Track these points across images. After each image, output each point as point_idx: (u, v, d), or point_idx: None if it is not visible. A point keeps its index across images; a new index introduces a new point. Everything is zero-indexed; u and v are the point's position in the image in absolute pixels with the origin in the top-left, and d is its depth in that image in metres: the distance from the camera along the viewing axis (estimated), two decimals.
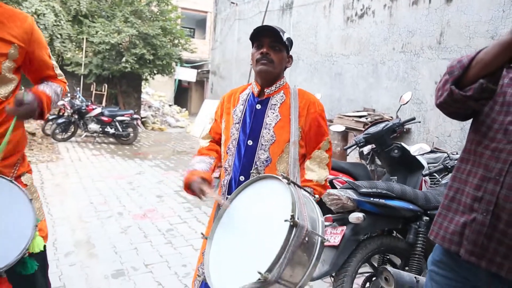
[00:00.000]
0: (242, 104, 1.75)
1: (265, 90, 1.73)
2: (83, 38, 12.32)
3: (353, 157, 5.00)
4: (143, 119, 13.83)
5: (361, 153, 4.03)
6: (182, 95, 23.63)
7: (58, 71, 1.68)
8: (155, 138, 11.75)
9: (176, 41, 13.84)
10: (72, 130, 9.67)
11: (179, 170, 7.10)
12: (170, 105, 18.76)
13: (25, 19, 1.47)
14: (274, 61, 1.66)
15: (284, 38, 1.65)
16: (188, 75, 21.73)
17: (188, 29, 17.71)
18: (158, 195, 5.34)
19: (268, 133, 1.66)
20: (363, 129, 5.14)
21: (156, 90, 20.01)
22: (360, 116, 5.66)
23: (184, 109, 19.72)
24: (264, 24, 1.56)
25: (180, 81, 22.54)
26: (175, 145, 10.52)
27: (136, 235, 3.87)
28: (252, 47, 1.71)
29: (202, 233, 1.56)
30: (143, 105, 15.44)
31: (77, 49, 12.73)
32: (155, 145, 10.45)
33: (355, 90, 6.89)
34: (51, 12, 10.88)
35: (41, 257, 1.60)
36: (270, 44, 1.65)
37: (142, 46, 12.06)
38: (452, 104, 1.23)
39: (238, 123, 1.72)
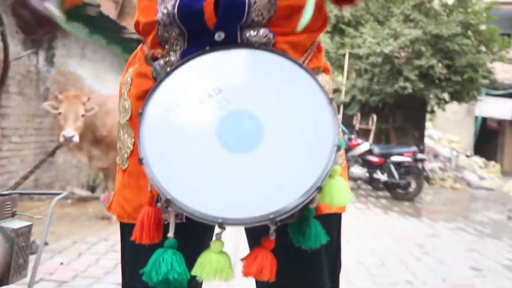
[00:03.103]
0: None
1: None
2: (343, 55, 13.01)
3: None
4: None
5: None
6: (487, 140, 22.23)
7: None
8: (448, 196, 11.75)
9: (482, 47, 13.02)
10: None
11: (503, 239, 6.86)
12: (467, 156, 18.35)
13: None
14: None
15: None
16: (497, 109, 20.35)
17: (502, 36, 16.30)
18: (473, 267, 5.24)
19: None
20: None
21: (445, 133, 19.47)
22: None
23: (492, 162, 18.77)
24: None
25: (484, 119, 21.37)
26: (485, 207, 10.27)
27: None
28: None
29: None
30: (426, 152, 15.16)
31: (336, 69, 13.53)
32: (450, 203, 10.46)
33: None
34: None
35: (334, 233, 1.25)
36: None
37: (430, 55, 11.84)
38: None
39: None
